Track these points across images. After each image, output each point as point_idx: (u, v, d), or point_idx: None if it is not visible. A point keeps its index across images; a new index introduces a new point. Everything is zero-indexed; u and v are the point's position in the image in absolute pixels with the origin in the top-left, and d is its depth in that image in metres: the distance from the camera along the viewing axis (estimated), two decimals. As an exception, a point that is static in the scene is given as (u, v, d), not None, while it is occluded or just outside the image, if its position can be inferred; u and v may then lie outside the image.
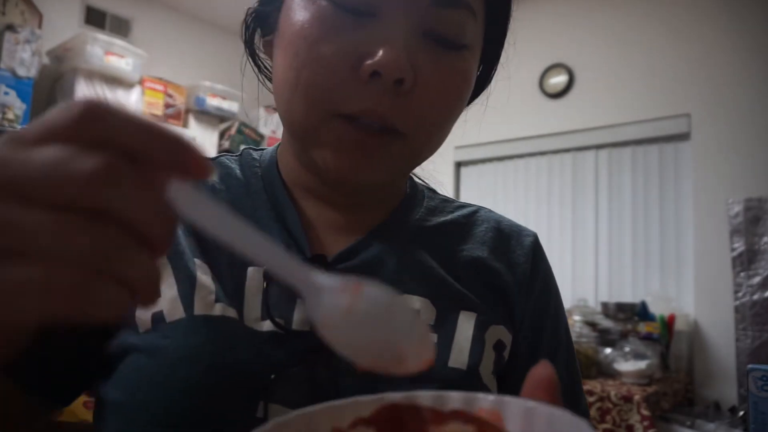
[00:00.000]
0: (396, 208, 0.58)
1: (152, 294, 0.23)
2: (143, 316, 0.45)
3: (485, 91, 0.61)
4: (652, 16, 3.15)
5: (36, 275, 0.20)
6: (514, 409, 0.26)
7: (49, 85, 2.92)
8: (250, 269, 0.48)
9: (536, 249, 0.60)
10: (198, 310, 0.45)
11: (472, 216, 0.61)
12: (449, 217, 0.60)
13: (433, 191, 0.65)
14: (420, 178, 0.66)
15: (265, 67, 0.59)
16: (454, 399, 0.28)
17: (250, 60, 0.59)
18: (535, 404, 0.25)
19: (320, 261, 0.50)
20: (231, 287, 0.47)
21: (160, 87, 3.17)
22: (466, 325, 0.51)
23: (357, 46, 0.44)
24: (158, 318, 0.45)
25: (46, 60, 2.93)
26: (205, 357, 0.43)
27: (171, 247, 0.47)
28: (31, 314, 0.20)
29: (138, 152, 0.22)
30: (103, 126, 0.22)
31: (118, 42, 2.94)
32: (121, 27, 3.46)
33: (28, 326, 0.21)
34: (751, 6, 2.82)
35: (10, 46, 2.60)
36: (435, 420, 0.25)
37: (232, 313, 0.46)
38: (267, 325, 0.46)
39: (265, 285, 0.47)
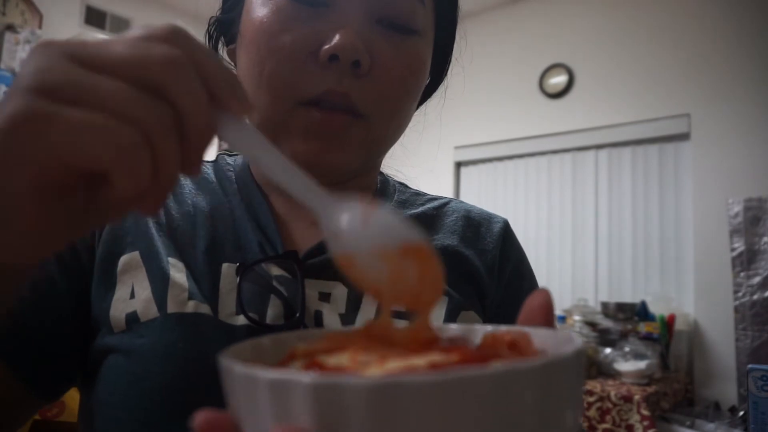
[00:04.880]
0: None
1: (167, 181, 0.26)
2: (118, 316, 0.46)
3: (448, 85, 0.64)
4: (652, 16, 3.15)
5: (94, 120, 0.24)
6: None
7: (49, 85, 2.92)
8: (224, 266, 0.49)
9: (506, 234, 0.62)
10: (171, 308, 0.46)
11: (443, 207, 0.63)
12: (420, 209, 0.61)
13: (405, 186, 0.66)
14: (390, 176, 0.68)
15: None
16: (452, 330, 0.29)
17: None
18: (531, 329, 0.26)
19: (292, 257, 0.50)
20: (206, 284, 0.48)
21: (160, 87, 3.17)
22: (437, 312, 0.52)
23: (314, 34, 0.47)
24: (132, 318, 0.46)
25: (46, 60, 2.94)
26: (179, 353, 0.44)
27: (147, 246, 0.49)
28: (73, 149, 0.24)
29: (206, 77, 0.27)
30: (186, 43, 0.27)
31: (118, 42, 2.94)
32: (121, 27, 3.46)
33: (66, 162, 0.24)
34: (750, 6, 2.82)
35: (10, 46, 2.60)
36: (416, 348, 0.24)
37: (205, 309, 0.46)
38: (241, 320, 0.47)
39: (238, 280, 0.48)
